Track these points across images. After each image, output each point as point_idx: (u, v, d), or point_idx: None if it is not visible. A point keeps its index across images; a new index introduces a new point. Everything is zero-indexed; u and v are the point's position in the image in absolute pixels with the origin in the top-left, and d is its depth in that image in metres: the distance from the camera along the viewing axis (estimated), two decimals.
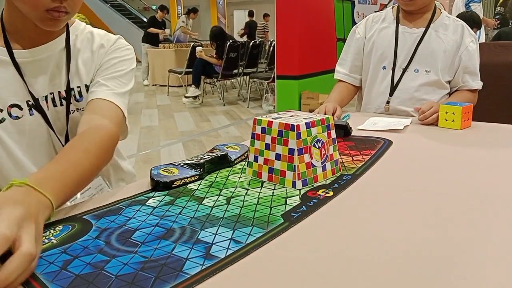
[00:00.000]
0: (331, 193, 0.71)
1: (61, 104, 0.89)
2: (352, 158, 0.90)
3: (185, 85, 6.81)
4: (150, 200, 0.70)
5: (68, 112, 0.90)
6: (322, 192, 0.71)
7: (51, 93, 0.88)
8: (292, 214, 0.63)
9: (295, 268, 0.49)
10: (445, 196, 0.71)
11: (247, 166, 0.81)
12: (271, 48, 6.15)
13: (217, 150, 0.89)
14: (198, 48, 6.11)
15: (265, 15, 10.59)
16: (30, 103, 0.85)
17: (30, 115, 0.85)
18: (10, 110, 0.83)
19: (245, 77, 6.82)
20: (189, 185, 0.76)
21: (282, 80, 5.30)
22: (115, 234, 0.58)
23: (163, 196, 0.71)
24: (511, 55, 1.72)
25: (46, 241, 0.56)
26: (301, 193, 0.71)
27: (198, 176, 0.79)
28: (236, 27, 12.91)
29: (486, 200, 0.69)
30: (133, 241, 0.56)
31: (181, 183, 0.76)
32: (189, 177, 0.78)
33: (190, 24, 9.06)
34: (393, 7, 1.48)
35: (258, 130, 0.78)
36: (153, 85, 8.05)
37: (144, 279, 0.47)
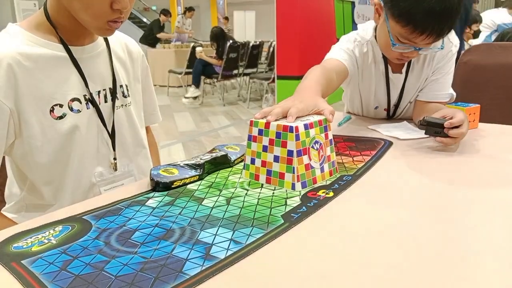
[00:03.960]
0: (331, 194, 0.71)
1: (112, 100, 0.93)
2: (353, 159, 0.90)
3: (185, 86, 6.81)
4: (150, 201, 0.70)
5: (114, 108, 0.93)
6: (322, 192, 0.71)
7: (103, 89, 0.91)
8: (292, 214, 0.63)
9: (295, 268, 0.49)
10: (446, 196, 0.71)
11: (244, 169, 0.80)
12: (271, 48, 6.16)
13: (217, 151, 0.89)
14: (198, 49, 6.11)
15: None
16: (87, 97, 0.88)
17: (87, 109, 0.88)
18: (71, 104, 0.85)
19: (245, 77, 6.82)
20: (189, 186, 0.76)
21: (282, 80, 5.30)
22: (114, 235, 0.58)
23: (163, 197, 0.71)
24: (511, 55, 1.72)
25: (46, 241, 0.56)
26: (301, 194, 0.71)
27: (198, 177, 0.79)
28: (236, 27, 12.90)
29: (487, 200, 0.69)
30: (133, 241, 0.56)
31: (180, 183, 0.76)
32: (189, 177, 0.77)
33: (189, 24, 9.06)
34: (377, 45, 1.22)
35: (255, 132, 0.77)
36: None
37: (143, 279, 0.47)
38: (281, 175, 0.74)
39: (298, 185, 0.73)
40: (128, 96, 0.98)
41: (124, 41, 1.02)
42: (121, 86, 0.96)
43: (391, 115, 1.34)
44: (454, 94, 1.27)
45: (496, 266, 0.49)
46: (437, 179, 0.79)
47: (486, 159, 0.92)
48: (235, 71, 6.28)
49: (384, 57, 1.22)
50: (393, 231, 0.58)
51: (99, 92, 0.90)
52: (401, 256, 0.52)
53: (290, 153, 0.73)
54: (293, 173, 0.73)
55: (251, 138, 0.78)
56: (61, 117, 0.83)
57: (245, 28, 12.85)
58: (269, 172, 0.76)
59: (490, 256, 0.51)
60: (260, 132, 0.76)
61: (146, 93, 1.08)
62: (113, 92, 0.93)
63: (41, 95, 0.81)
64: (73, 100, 0.85)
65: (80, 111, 0.86)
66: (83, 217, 0.64)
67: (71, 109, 0.85)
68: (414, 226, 0.60)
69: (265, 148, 0.76)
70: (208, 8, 15.04)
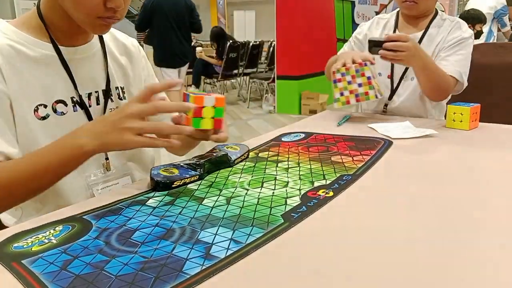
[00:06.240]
0: (331, 194, 0.71)
1: (105, 102, 0.91)
2: (352, 159, 0.90)
3: (185, 86, 6.81)
4: (150, 200, 0.70)
5: (105, 110, 0.91)
6: (322, 192, 0.71)
7: (95, 91, 0.90)
8: (292, 214, 0.63)
9: (295, 268, 0.49)
10: (446, 196, 0.71)
11: (335, 102, 1.22)
12: (271, 48, 6.16)
13: (217, 150, 0.89)
14: (198, 49, 6.11)
15: None
16: (74, 99, 0.86)
17: (74, 111, 0.86)
18: (55, 106, 0.83)
19: (245, 77, 6.82)
20: (189, 185, 0.76)
21: (282, 80, 5.30)
22: (115, 234, 0.58)
23: (163, 196, 0.71)
24: (511, 55, 1.72)
25: (46, 241, 0.56)
26: (301, 194, 0.71)
27: (198, 176, 0.79)
28: (236, 27, 12.90)
29: (487, 200, 0.69)
30: (133, 241, 0.56)
31: (181, 183, 0.76)
32: (189, 177, 0.78)
33: None
34: (396, 13, 1.47)
35: (338, 76, 1.21)
36: None
37: (144, 279, 0.47)
38: (366, 93, 1.19)
39: (378, 95, 1.20)
40: (125, 98, 0.96)
41: (123, 41, 1.00)
42: (116, 88, 0.94)
43: (395, 88, 1.40)
44: (465, 81, 1.31)
45: (495, 268, 0.49)
46: (436, 179, 0.79)
47: (486, 159, 0.92)
48: (235, 71, 6.28)
49: (396, 21, 1.43)
50: (393, 231, 0.59)
51: (90, 94, 0.88)
52: (401, 255, 0.52)
53: (368, 78, 1.19)
54: (373, 89, 1.19)
55: (336, 81, 1.21)
56: (44, 118, 0.82)
57: (245, 28, 12.85)
58: (357, 95, 1.20)
59: (490, 258, 0.52)
60: (343, 74, 1.20)
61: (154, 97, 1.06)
62: (106, 94, 0.91)
63: (26, 94, 0.79)
64: (57, 102, 0.83)
65: (64, 114, 0.84)
66: (84, 217, 0.64)
67: (55, 111, 0.83)
68: (413, 226, 0.60)
69: (349, 82, 1.20)
70: (208, 7, 15.04)
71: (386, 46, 1.18)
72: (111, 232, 0.58)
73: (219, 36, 6.05)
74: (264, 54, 7.17)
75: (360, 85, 1.18)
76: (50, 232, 0.58)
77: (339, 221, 0.62)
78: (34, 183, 0.72)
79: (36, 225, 0.61)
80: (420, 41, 1.36)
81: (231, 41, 6.01)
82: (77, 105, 0.86)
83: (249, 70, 6.54)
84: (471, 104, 1.17)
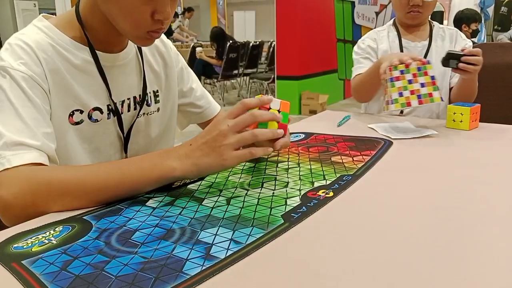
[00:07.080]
0: (331, 194, 0.71)
1: (135, 109, 0.90)
2: (353, 159, 0.90)
3: None
4: (150, 201, 0.70)
5: (137, 116, 0.90)
6: (322, 192, 0.71)
7: (128, 99, 0.88)
8: (292, 214, 0.63)
9: (295, 268, 0.49)
10: (446, 196, 0.71)
11: (391, 104, 1.08)
12: (271, 48, 6.16)
13: None
14: (198, 49, 6.11)
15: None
16: (110, 107, 0.85)
17: (108, 119, 0.85)
18: (91, 113, 0.82)
19: (245, 77, 6.83)
20: (189, 186, 0.76)
21: (282, 80, 5.30)
22: (115, 235, 0.58)
23: (163, 197, 0.71)
24: (511, 55, 1.72)
25: (46, 241, 0.56)
26: (301, 194, 0.71)
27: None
28: (236, 28, 12.90)
29: (488, 200, 0.69)
30: (133, 241, 0.56)
31: (181, 183, 0.76)
32: None
33: (187, 24, 9.01)
34: (392, 24, 1.54)
35: (396, 74, 1.09)
36: None
37: (144, 279, 0.47)
38: (430, 95, 1.07)
39: (443, 98, 1.13)
40: (156, 103, 0.94)
41: (155, 43, 0.95)
42: (150, 92, 0.93)
43: None
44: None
45: (496, 267, 0.49)
46: (436, 179, 0.79)
47: (486, 159, 0.92)
48: (235, 71, 6.28)
49: (397, 32, 1.50)
50: (393, 231, 0.59)
51: (123, 101, 0.87)
52: (401, 255, 0.52)
53: (432, 77, 1.08)
54: (438, 89, 1.08)
55: (393, 79, 1.09)
56: (77, 123, 0.81)
57: (245, 28, 12.85)
58: (419, 96, 1.07)
59: (491, 257, 0.52)
60: (402, 72, 1.09)
61: (193, 92, 1.04)
62: (142, 100, 0.90)
63: (64, 98, 0.78)
64: (94, 109, 0.82)
65: (98, 121, 0.83)
66: (84, 217, 0.64)
67: (90, 117, 0.82)
68: (413, 226, 0.60)
69: (410, 81, 1.08)
70: (208, 8, 15.04)
71: (467, 60, 1.18)
72: (111, 233, 0.58)
73: (219, 36, 6.05)
74: (264, 54, 7.18)
75: (423, 85, 1.07)
76: (50, 233, 0.59)
77: (339, 221, 0.62)
78: (98, 196, 0.68)
79: (36, 225, 0.61)
80: (427, 51, 1.45)
81: (231, 41, 6.01)
82: (111, 113, 0.85)
83: (249, 71, 6.54)
84: (471, 104, 1.18)
